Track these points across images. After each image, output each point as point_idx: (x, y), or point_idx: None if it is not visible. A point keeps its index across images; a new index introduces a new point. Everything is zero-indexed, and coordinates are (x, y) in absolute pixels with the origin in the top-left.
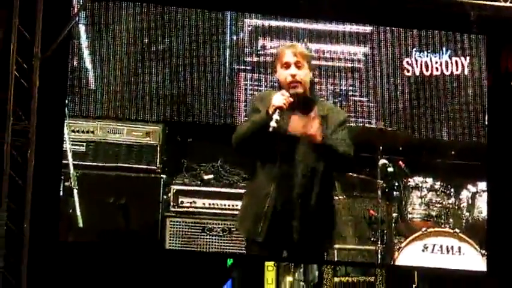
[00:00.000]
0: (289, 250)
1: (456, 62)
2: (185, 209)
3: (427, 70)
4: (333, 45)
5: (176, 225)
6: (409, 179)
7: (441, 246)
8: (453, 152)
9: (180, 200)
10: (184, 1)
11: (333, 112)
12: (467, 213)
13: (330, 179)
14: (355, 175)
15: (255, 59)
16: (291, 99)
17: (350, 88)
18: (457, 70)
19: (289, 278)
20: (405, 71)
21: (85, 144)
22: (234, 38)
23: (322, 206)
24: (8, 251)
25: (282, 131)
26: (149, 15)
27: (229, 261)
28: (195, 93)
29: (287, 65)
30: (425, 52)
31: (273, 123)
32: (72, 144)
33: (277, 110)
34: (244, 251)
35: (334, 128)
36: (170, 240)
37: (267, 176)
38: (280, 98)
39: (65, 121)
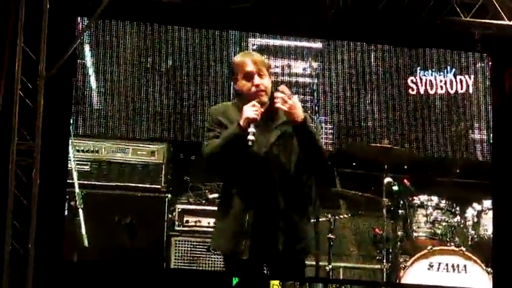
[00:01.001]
0: (273, 263)
1: (461, 80)
2: (191, 228)
3: (432, 89)
4: (336, 64)
5: (181, 244)
6: (414, 197)
7: (446, 265)
8: (458, 170)
9: (185, 219)
10: (188, 21)
11: None
12: (473, 231)
13: (303, 186)
14: (360, 193)
15: None
16: (262, 110)
17: (354, 106)
18: (461, 89)
19: None
20: (409, 90)
21: (89, 163)
22: None
23: (302, 212)
24: (13, 270)
25: (255, 144)
26: (153, 34)
27: (235, 280)
28: (199, 113)
29: (250, 75)
30: (430, 71)
31: (250, 137)
32: (77, 164)
33: (251, 123)
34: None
35: None
36: (175, 259)
37: (242, 192)
38: (252, 110)
39: (70, 140)
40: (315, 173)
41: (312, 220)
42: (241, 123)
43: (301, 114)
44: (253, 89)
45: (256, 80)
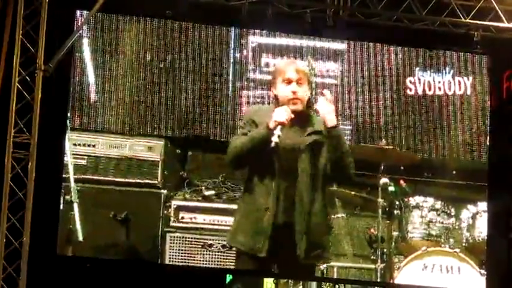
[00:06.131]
0: (292, 265)
1: (459, 82)
2: (186, 225)
3: (430, 89)
4: (336, 63)
5: (176, 240)
6: (410, 198)
7: (440, 266)
8: (454, 172)
9: (181, 215)
10: (188, 17)
11: None
12: (467, 233)
13: (326, 193)
14: (356, 193)
15: (259, 76)
16: (293, 116)
17: (354, 106)
18: (459, 90)
19: None
20: (408, 90)
21: (86, 157)
22: (238, 55)
23: (323, 220)
24: (7, 263)
25: (281, 144)
26: (152, 29)
27: (228, 278)
28: (198, 109)
29: (289, 81)
30: (428, 71)
31: (275, 139)
32: (73, 158)
33: (279, 126)
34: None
35: None
36: (170, 255)
37: (265, 190)
38: (283, 114)
39: (67, 134)
40: (339, 180)
41: None
42: (270, 124)
43: (335, 120)
44: (290, 95)
45: (294, 87)
